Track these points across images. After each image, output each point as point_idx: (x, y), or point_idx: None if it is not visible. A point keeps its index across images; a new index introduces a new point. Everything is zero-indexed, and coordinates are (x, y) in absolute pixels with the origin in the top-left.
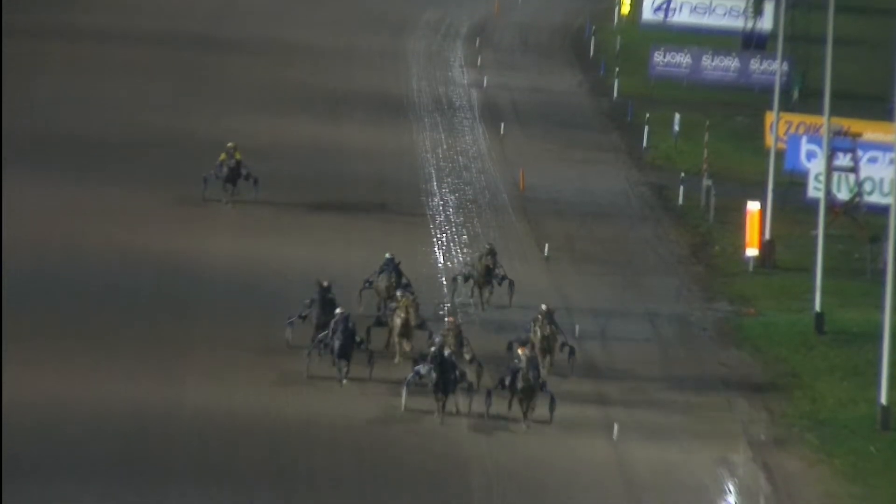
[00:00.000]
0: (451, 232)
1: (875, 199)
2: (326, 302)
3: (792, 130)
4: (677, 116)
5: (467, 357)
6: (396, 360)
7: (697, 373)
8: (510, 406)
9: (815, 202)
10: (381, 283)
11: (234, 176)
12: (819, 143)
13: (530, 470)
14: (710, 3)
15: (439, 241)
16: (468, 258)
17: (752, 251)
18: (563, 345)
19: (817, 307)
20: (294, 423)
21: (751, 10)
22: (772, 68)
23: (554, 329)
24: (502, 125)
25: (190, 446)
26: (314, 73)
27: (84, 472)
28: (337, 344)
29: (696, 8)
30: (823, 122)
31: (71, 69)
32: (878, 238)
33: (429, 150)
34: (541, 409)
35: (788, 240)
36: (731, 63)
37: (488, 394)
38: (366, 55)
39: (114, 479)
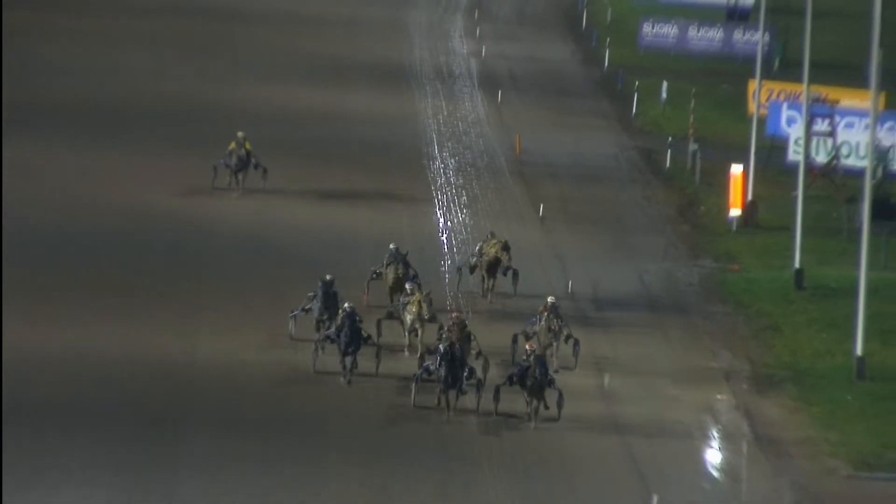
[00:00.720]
0: (451, 193)
1: (851, 161)
2: (329, 296)
3: (773, 98)
4: (665, 84)
5: (474, 352)
6: (406, 353)
7: (684, 325)
8: (528, 404)
9: (795, 165)
10: (390, 274)
11: (243, 165)
12: (799, 110)
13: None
14: None
15: (440, 202)
16: (477, 247)
17: (735, 211)
18: (568, 337)
19: (797, 264)
20: (304, 412)
21: None
22: (754, 39)
23: (559, 322)
24: (500, 93)
25: (205, 393)
26: (322, 44)
27: (103, 417)
28: (344, 341)
29: None
30: (803, 89)
31: (96, 40)
32: (854, 199)
33: (430, 115)
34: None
35: (770, 201)
36: (716, 34)
37: (496, 390)
38: (370, 26)
39: (133, 424)
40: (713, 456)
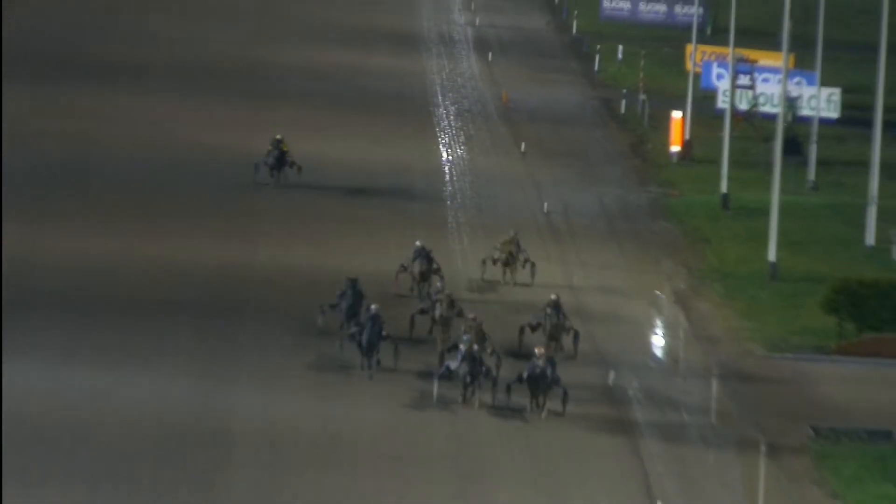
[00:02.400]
0: (452, 133)
1: (767, 109)
2: (356, 293)
3: (705, 58)
4: (620, 48)
5: (488, 350)
6: (440, 347)
7: (634, 237)
8: (537, 403)
9: (723, 111)
10: (415, 268)
11: (280, 163)
12: (726, 68)
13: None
14: None
15: (443, 140)
16: (495, 244)
17: (675, 148)
18: (569, 329)
19: (724, 190)
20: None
21: None
22: (691, 12)
23: (562, 318)
24: (490, 54)
25: (261, 288)
26: (349, 16)
27: (187, 312)
28: (366, 338)
29: None
30: (729, 51)
31: (166, 15)
32: (769, 138)
33: (434, 72)
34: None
35: (703, 140)
36: (661, 7)
37: (508, 387)
38: (389, 2)
39: (207, 312)
40: (658, 340)
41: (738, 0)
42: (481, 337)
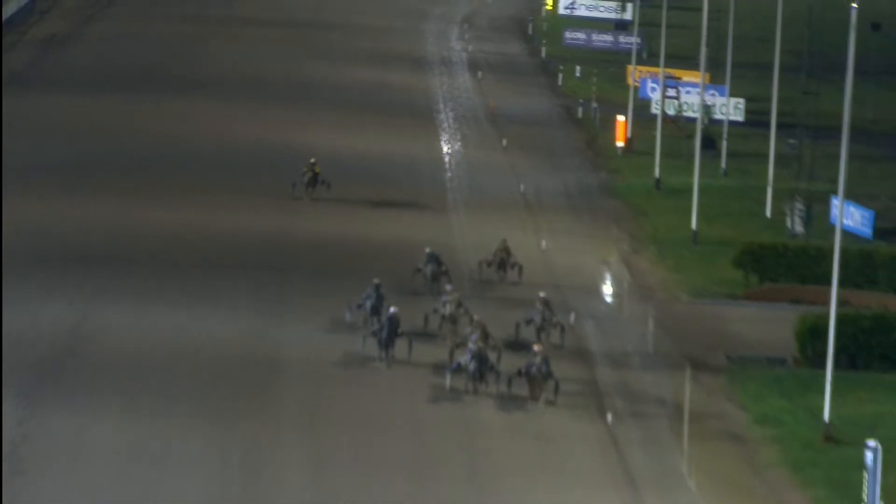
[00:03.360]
0: (451, 132)
1: (689, 114)
2: (379, 295)
3: (642, 76)
4: (578, 68)
5: (491, 345)
6: (446, 340)
7: (589, 211)
8: (534, 395)
9: (655, 116)
10: (428, 271)
11: (313, 182)
12: (657, 83)
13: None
14: (597, 3)
15: (444, 137)
16: (494, 248)
17: (620, 144)
18: (556, 324)
19: (657, 175)
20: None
21: (619, 7)
22: (631, 41)
23: (550, 314)
24: (479, 73)
25: (303, 254)
26: (369, 42)
27: (235, 267)
28: (385, 335)
29: (589, 6)
30: (660, 70)
31: (230, 41)
32: (691, 136)
33: (437, 86)
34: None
35: (641, 137)
36: (608, 38)
37: (509, 380)
38: (399, 31)
39: (259, 271)
40: (608, 290)
41: (667, 32)
42: (485, 335)
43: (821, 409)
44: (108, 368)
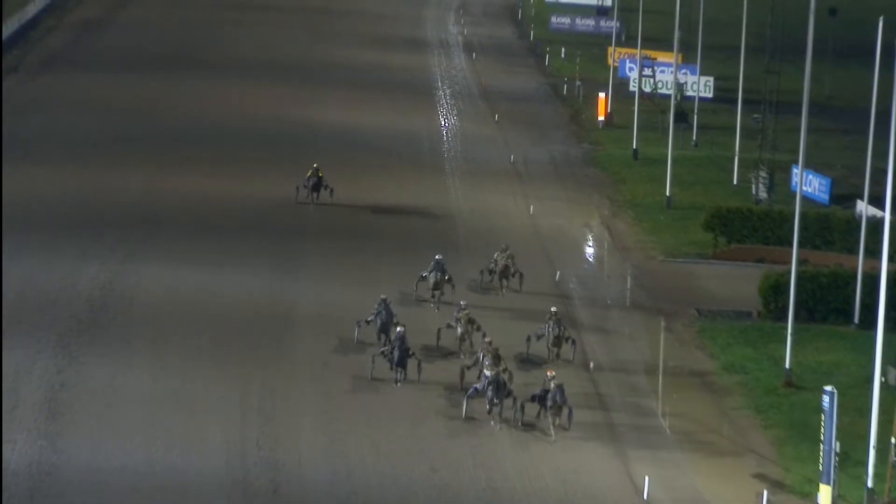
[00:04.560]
0: (448, 107)
1: (663, 91)
2: (388, 311)
3: (621, 56)
4: (563, 49)
5: (502, 367)
6: (462, 356)
7: (573, 178)
8: (538, 416)
9: (633, 93)
10: (431, 278)
11: (317, 187)
12: (635, 63)
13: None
14: None
15: (441, 112)
16: (495, 255)
17: (601, 118)
18: (568, 338)
19: (634, 146)
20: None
21: None
22: (611, 24)
23: (562, 329)
24: (474, 54)
25: (317, 217)
26: (376, 28)
27: (256, 229)
28: (396, 356)
29: None
30: (637, 52)
31: (249, 27)
32: (665, 111)
33: (435, 66)
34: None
35: (620, 112)
36: (591, 22)
37: (521, 406)
38: (401, 17)
39: (271, 233)
40: (589, 249)
41: (643, 16)
42: (497, 358)
43: (782, 357)
44: (138, 323)
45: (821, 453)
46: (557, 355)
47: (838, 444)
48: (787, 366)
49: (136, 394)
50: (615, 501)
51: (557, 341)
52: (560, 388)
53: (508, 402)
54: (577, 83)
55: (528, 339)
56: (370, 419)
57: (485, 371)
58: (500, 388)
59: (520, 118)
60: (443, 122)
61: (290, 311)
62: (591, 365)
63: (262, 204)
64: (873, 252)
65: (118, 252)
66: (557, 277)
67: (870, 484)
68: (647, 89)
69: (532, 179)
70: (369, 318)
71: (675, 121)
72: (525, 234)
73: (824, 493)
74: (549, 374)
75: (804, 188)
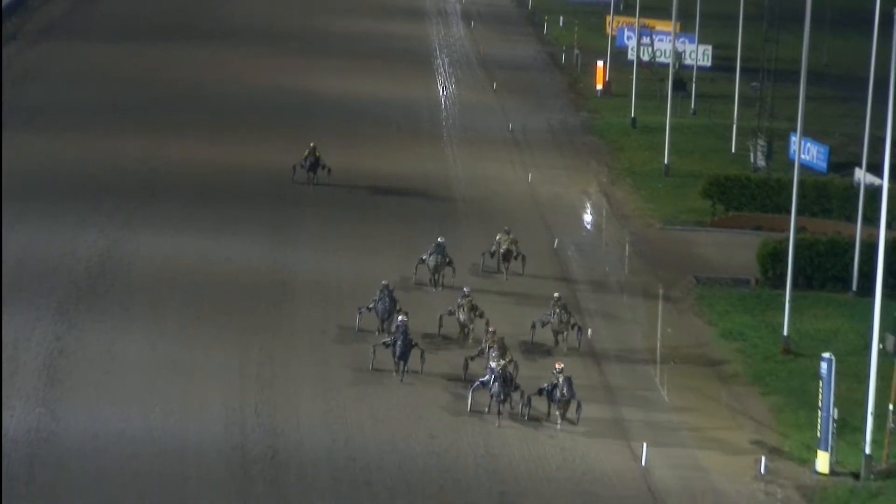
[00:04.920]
0: (446, 76)
1: (661, 60)
2: (390, 298)
3: (620, 25)
4: (561, 18)
5: (507, 359)
6: (469, 341)
7: (571, 147)
8: (549, 413)
9: (631, 61)
10: (431, 261)
11: (314, 166)
12: (633, 32)
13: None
14: None
15: (439, 80)
16: (497, 238)
17: (599, 87)
18: (573, 325)
19: (633, 114)
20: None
21: None
22: None
23: (566, 315)
24: (472, 22)
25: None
26: None
27: (256, 194)
28: (398, 348)
29: None
30: (636, 21)
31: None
32: (663, 79)
33: (433, 35)
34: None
35: (618, 81)
36: None
37: (529, 400)
38: None
39: (269, 198)
40: (588, 217)
41: None
42: (503, 349)
43: (780, 325)
44: (137, 290)
45: (819, 420)
46: (565, 339)
47: (836, 410)
48: (786, 333)
49: (134, 360)
50: (613, 467)
51: (562, 328)
52: (568, 380)
53: (516, 395)
54: (576, 52)
55: (533, 325)
56: (365, 386)
57: (490, 363)
58: (507, 382)
59: (518, 87)
60: (441, 91)
61: (289, 279)
62: (590, 332)
63: (261, 172)
64: (871, 220)
65: (117, 219)
66: (556, 245)
67: (867, 450)
68: (646, 58)
69: (530, 147)
70: (370, 305)
71: (674, 89)
72: (524, 202)
73: (822, 460)
74: (557, 366)
75: (802, 156)
